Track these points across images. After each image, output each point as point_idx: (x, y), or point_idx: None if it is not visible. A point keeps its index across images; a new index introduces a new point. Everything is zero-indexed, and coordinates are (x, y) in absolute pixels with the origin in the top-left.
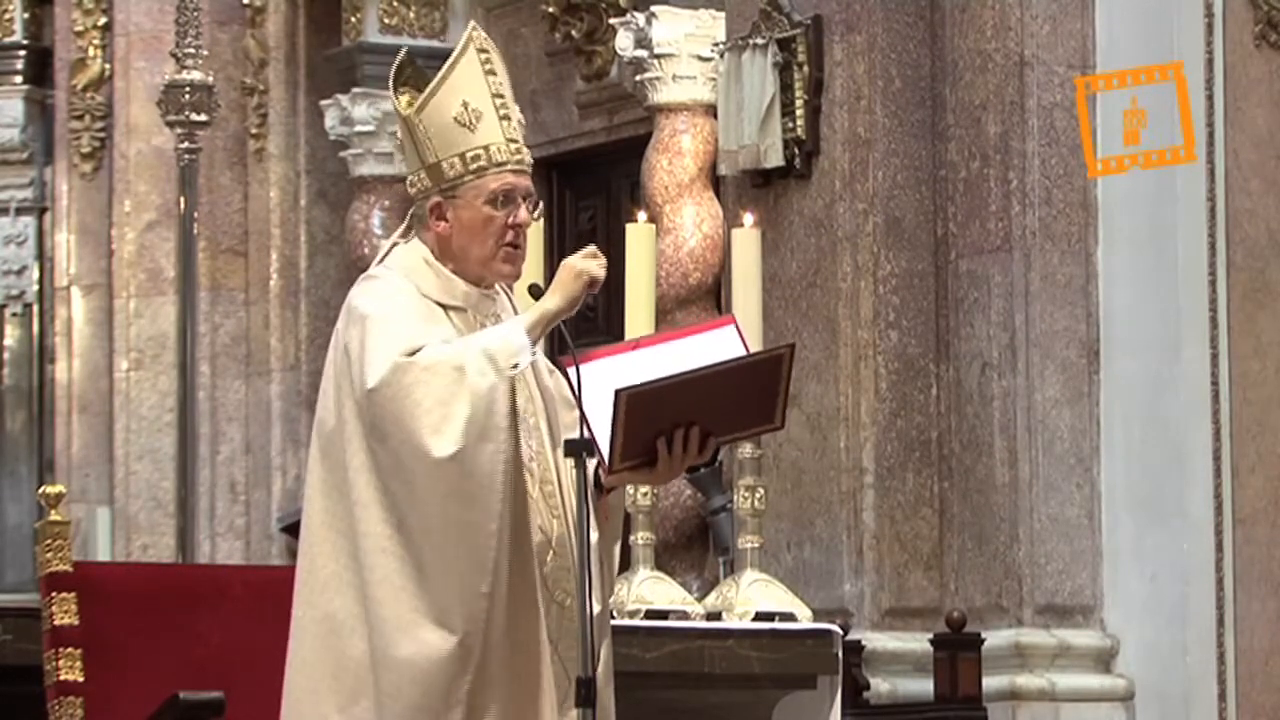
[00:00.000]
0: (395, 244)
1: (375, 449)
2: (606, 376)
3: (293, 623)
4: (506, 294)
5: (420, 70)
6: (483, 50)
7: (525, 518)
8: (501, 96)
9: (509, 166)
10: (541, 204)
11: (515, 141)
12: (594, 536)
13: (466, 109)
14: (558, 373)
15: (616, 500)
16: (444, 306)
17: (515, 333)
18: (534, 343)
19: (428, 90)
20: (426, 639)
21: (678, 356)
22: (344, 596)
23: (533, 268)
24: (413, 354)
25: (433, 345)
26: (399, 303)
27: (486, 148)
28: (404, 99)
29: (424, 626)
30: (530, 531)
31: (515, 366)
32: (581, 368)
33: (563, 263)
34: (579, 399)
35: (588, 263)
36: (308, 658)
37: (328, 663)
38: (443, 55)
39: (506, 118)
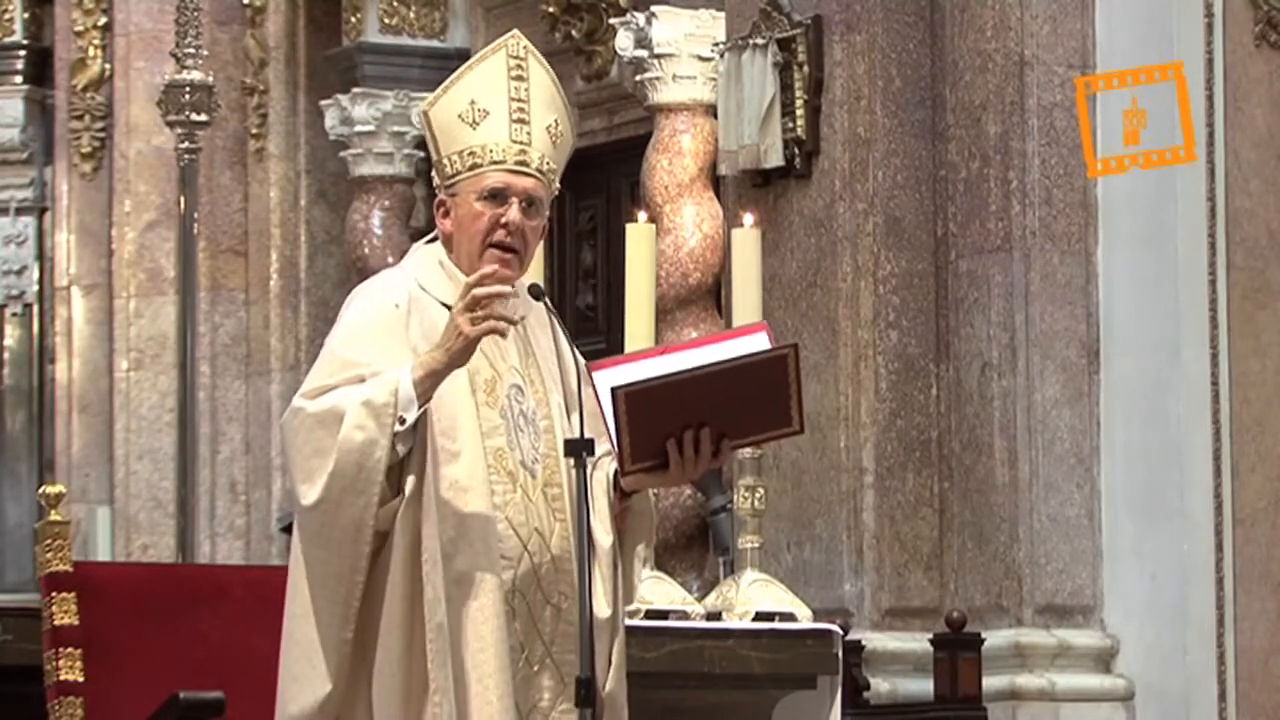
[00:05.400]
0: (423, 243)
1: None
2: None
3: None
4: (546, 303)
5: None
6: (516, 57)
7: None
8: (523, 102)
9: (507, 165)
10: (547, 213)
11: (522, 144)
12: (606, 540)
13: (473, 107)
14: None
15: (642, 505)
16: (451, 308)
17: (404, 386)
18: (423, 396)
19: (442, 86)
20: (316, 674)
21: (704, 361)
22: None
23: (533, 267)
24: (319, 393)
25: (339, 388)
26: (369, 317)
27: (484, 145)
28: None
29: (319, 657)
30: (421, 581)
31: (403, 421)
32: (609, 372)
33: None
34: (581, 404)
35: (464, 320)
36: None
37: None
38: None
39: (522, 122)
